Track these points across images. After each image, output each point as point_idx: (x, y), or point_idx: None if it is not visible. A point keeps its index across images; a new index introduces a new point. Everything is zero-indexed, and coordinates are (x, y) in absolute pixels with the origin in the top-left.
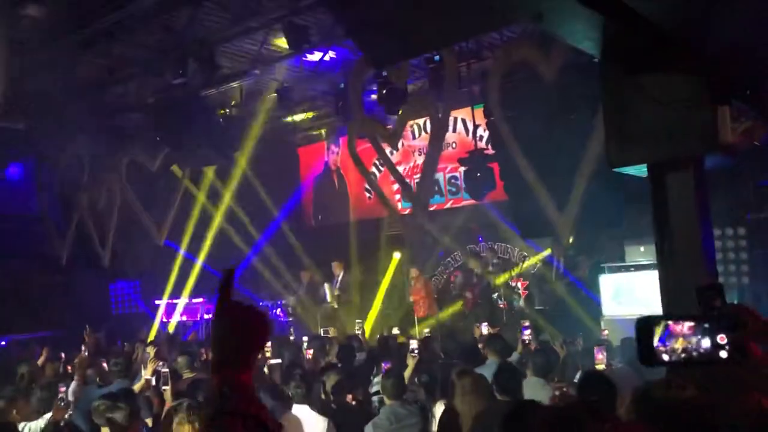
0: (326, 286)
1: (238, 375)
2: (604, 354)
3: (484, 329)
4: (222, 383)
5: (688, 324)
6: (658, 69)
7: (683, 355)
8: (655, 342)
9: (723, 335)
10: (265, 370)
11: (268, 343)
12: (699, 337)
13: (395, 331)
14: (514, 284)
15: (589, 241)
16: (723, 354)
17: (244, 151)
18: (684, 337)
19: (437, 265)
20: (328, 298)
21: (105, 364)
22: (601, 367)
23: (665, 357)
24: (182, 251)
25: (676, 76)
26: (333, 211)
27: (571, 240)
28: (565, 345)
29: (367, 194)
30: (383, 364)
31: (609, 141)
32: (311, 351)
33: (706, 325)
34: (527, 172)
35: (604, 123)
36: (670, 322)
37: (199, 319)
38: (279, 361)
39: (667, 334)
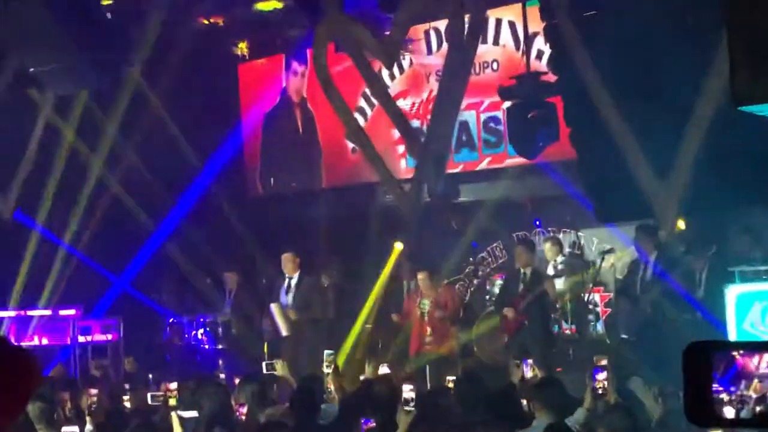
0: (274, 308)
1: None
2: None
3: (527, 370)
4: None
5: None
6: None
7: (759, 408)
8: (714, 384)
9: None
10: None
11: (172, 386)
12: None
13: (384, 369)
14: (588, 296)
15: (708, 228)
16: None
17: (146, 66)
18: (761, 379)
19: (465, 264)
20: (281, 327)
21: None
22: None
23: (728, 410)
24: (41, 229)
25: None
26: (294, 170)
27: (681, 225)
28: (664, 398)
29: (351, 144)
30: (363, 423)
31: (736, 66)
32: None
33: None
34: (609, 112)
35: (728, 40)
36: (737, 353)
37: (69, 342)
38: (194, 414)
39: (734, 373)
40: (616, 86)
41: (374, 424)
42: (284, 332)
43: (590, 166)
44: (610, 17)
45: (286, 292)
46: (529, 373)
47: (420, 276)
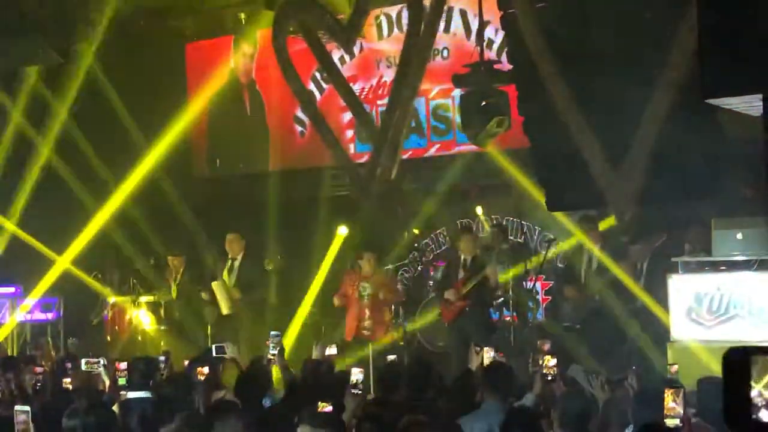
0: (215, 285)
1: None
2: (678, 401)
3: (487, 356)
4: None
5: None
6: None
7: None
8: (754, 390)
9: None
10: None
11: (122, 365)
12: None
13: (331, 350)
14: (530, 284)
15: (655, 218)
16: None
17: (93, 42)
18: None
19: (408, 250)
20: (222, 305)
21: None
22: (673, 423)
23: (765, 414)
24: None
25: None
26: (241, 152)
27: (625, 216)
28: (610, 386)
29: (299, 127)
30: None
31: (706, 59)
32: (205, 370)
33: None
34: (565, 102)
35: (698, 33)
36: None
37: (7, 320)
38: (146, 395)
39: None
40: (571, 75)
41: (330, 408)
42: (225, 310)
43: (543, 155)
44: (568, 8)
45: (229, 273)
46: (486, 359)
47: (366, 257)
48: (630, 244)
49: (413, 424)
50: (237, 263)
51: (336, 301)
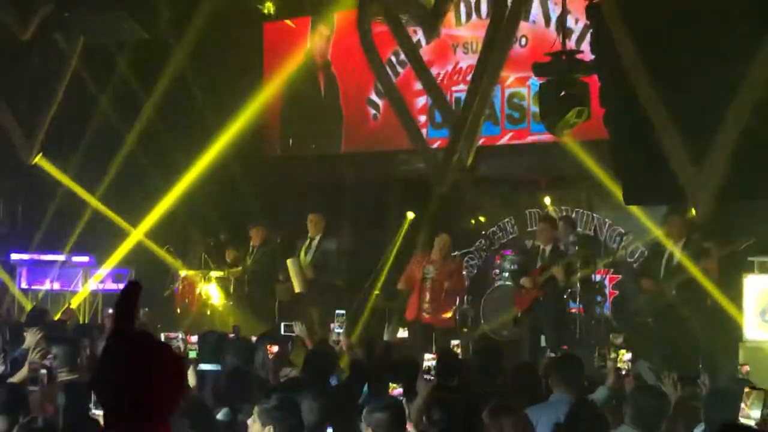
0: (290, 263)
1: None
2: (758, 404)
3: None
4: None
5: None
6: None
7: None
8: None
9: None
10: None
11: (193, 338)
12: None
13: (402, 333)
14: (598, 277)
15: (732, 215)
16: None
17: (174, 19)
18: None
19: (475, 237)
20: (294, 281)
21: None
22: (750, 422)
23: None
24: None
25: None
26: (314, 133)
27: (705, 212)
28: (683, 384)
29: (372, 110)
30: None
31: None
32: (274, 349)
33: None
34: (648, 94)
35: None
36: None
37: (80, 289)
38: (216, 368)
39: None
40: (655, 69)
41: (401, 390)
42: (297, 288)
43: (622, 148)
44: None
45: (306, 252)
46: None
47: (439, 239)
48: (704, 240)
49: (503, 409)
50: (315, 242)
51: (400, 284)
